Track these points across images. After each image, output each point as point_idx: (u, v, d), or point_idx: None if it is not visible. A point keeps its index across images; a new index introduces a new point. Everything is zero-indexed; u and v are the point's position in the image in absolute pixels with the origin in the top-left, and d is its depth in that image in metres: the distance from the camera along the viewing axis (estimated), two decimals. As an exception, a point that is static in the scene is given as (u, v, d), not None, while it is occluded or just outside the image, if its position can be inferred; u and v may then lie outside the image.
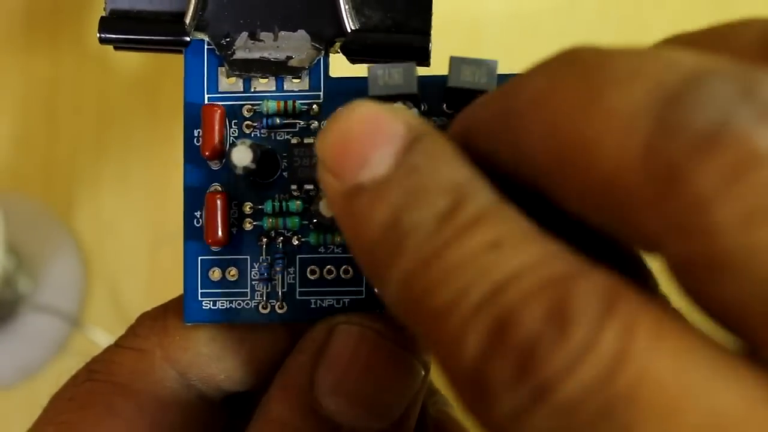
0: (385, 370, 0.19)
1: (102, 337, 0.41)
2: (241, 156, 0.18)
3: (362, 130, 0.14)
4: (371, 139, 0.14)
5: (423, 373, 0.19)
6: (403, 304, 0.13)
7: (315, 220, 0.19)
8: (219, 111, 0.20)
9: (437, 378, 0.20)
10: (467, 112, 0.15)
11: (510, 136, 0.14)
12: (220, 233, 0.19)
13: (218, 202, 0.19)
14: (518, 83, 0.14)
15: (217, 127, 0.19)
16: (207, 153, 0.19)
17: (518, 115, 0.13)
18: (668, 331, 0.11)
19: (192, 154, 0.20)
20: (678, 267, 0.12)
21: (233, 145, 0.18)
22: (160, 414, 0.20)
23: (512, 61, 0.19)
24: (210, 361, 0.20)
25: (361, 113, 0.15)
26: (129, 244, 0.43)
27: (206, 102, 0.20)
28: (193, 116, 0.20)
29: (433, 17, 0.20)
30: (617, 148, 0.12)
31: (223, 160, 0.20)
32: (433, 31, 0.19)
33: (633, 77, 0.12)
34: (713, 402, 0.11)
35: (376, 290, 0.19)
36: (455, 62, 0.18)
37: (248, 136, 0.20)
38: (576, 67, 0.13)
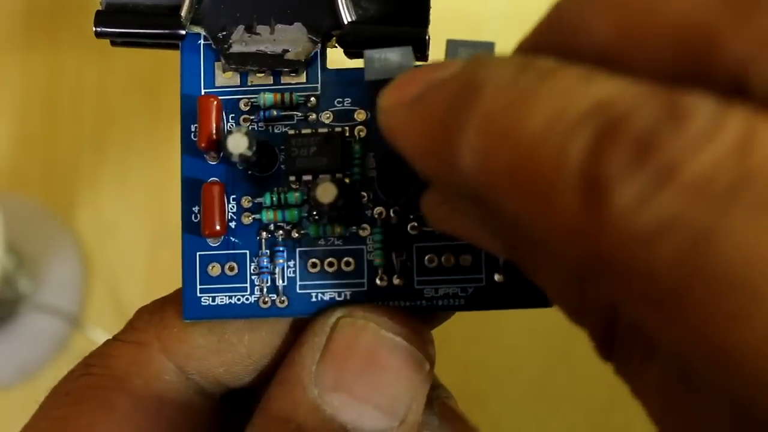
0: (389, 363, 0.18)
1: (102, 337, 0.41)
2: (237, 143, 0.18)
3: (421, 68, 0.15)
4: (430, 68, 0.15)
5: (428, 367, 0.19)
6: (487, 152, 0.13)
7: (313, 211, 0.19)
8: (215, 101, 0.19)
9: (438, 371, 0.20)
10: (524, 40, 0.15)
11: (574, 33, 0.14)
12: (217, 225, 0.19)
13: (215, 192, 0.19)
14: None
15: (213, 118, 0.19)
16: (203, 144, 0.19)
17: (581, 8, 0.13)
18: None
19: (189, 149, 0.20)
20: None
21: (229, 132, 0.18)
22: (158, 408, 0.19)
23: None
24: (208, 354, 0.20)
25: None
26: (129, 244, 0.43)
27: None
28: (190, 111, 0.20)
29: (433, 16, 0.19)
30: None
31: (221, 154, 0.20)
32: (432, 31, 0.19)
33: None
34: None
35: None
36: (452, 45, 0.17)
37: (244, 127, 0.20)
38: None
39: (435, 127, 0.14)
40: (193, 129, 0.20)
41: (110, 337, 0.20)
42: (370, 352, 0.18)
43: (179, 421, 0.20)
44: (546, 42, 0.14)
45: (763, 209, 0.10)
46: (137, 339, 0.20)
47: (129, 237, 0.43)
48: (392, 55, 0.17)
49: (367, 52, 0.17)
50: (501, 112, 0.12)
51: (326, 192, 0.18)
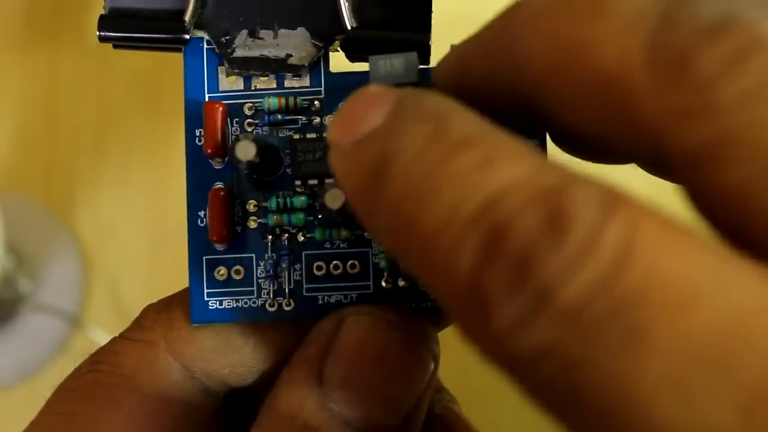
0: (396, 361, 0.18)
1: (102, 337, 0.41)
2: (245, 150, 0.18)
3: (360, 100, 0.15)
4: (367, 104, 0.15)
5: (433, 365, 0.19)
6: (394, 231, 0.13)
7: (321, 216, 0.19)
8: (221, 108, 0.20)
9: (439, 372, 0.20)
10: (463, 43, 0.16)
11: (507, 51, 0.14)
12: (224, 230, 0.19)
13: (221, 198, 0.19)
14: (515, 6, 0.14)
15: (219, 124, 0.19)
16: (209, 150, 0.19)
17: (517, 30, 0.14)
18: (672, 231, 0.11)
19: (194, 154, 0.20)
20: (682, 162, 0.12)
21: (237, 139, 0.18)
22: (163, 407, 0.19)
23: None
24: (214, 355, 0.20)
25: (362, 90, 0.15)
26: (129, 244, 0.43)
27: (207, 101, 0.20)
28: (195, 116, 0.20)
29: (435, 18, 0.19)
30: (621, 44, 0.12)
31: (226, 158, 0.20)
32: (434, 32, 0.19)
33: None
34: (726, 295, 0.10)
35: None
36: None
37: (250, 134, 0.20)
38: None
39: (358, 192, 0.14)
40: (197, 133, 0.20)
41: (116, 335, 0.21)
42: (377, 351, 0.18)
43: (183, 419, 0.20)
44: (479, 52, 0.15)
45: (629, 341, 0.10)
46: (145, 338, 0.20)
47: (129, 237, 0.43)
48: (397, 61, 0.17)
49: (372, 58, 0.17)
50: (406, 199, 0.13)
51: (335, 198, 0.18)
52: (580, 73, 0.13)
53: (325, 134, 0.19)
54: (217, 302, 0.20)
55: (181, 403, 0.20)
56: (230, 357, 0.20)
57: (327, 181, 0.19)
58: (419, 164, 0.13)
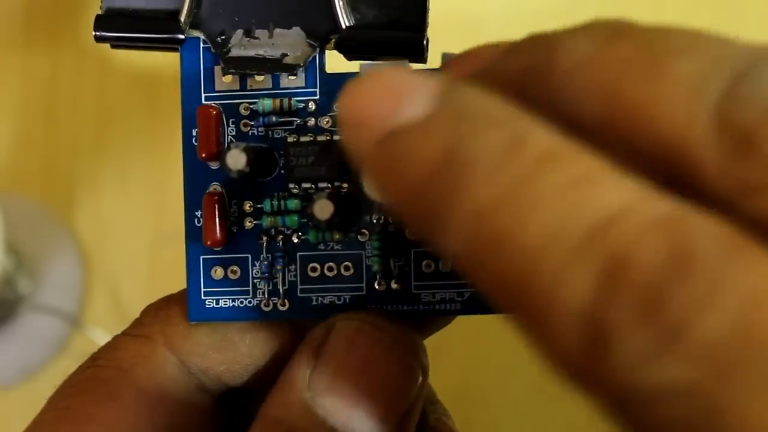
0: (382, 367, 0.19)
1: (102, 337, 0.41)
2: (235, 160, 0.18)
3: (384, 83, 0.14)
4: (401, 87, 0.13)
5: (421, 376, 0.19)
6: (475, 247, 0.12)
7: (310, 222, 0.19)
8: (215, 112, 0.20)
9: (439, 372, 0.20)
10: (484, 59, 0.15)
11: (549, 92, 0.13)
12: (217, 235, 0.20)
13: (215, 204, 0.20)
14: (553, 42, 0.14)
15: (213, 129, 0.20)
16: (204, 155, 0.20)
17: (561, 75, 0.13)
18: None
19: (191, 153, 0.20)
20: (747, 225, 0.11)
21: (227, 148, 0.19)
22: (160, 400, 0.20)
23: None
24: (210, 351, 0.20)
25: (380, 71, 0.14)
26: (129, 244, 0.43)
27: (203, 101, 0.20)
28: (191, 115, 0.20)
29: (433, 17, 0.19)
30: (686, 111, 0.12)
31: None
32: (432, 31, 0.19)
33: (694, 49, 0.12)
34: None
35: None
36: (446, 58, 0.17)
37: (246, 134, 0.20)
38: (630, 36, 0.13)
39: (416, 192, 0.13)
40: (194, 133, 0.20)
41: (116, 334, 0.21)
42: (365, 356, 0.18)
43: (178, 413, 0.20)
44: (516, 75, 0.14)
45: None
46: (143, 333, 0.20)
47: (129, 237, 0.43)
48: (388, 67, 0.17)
49: (362, 65, 0.18)
50: (492, 212, 0.12)
51: (323, 209, 0.18)
52: (643, 134, 0.12)
53: (319, 138, 0.19)
54: (214, 301, 0.20)
55: (178, 398, 0.20)
56: (225, 354, 0.20)
57: (318, 193, 0.19)
58: (503, 174, 0.12)
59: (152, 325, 0.20)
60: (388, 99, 0.13)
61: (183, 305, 0.20)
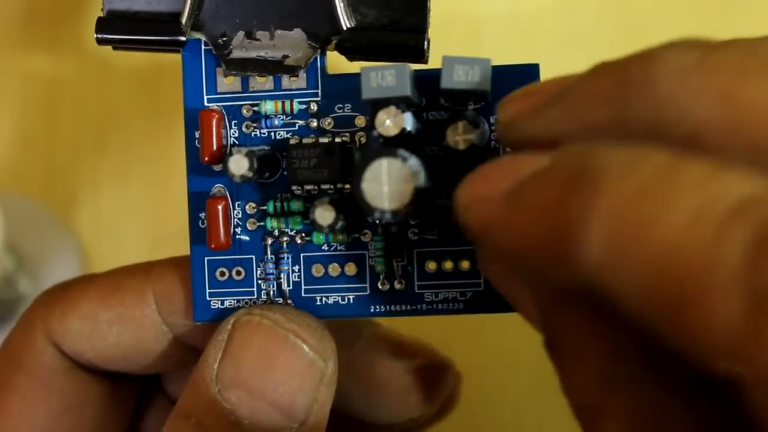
0: (281, 360, 0.19)
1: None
2: (238, 165, 0.19)
3: (497, 164, 0.14)
4: (513, 160, 0.14)
5: (322, 365, 0.19)
6: (617, 242, 0.12)
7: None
8: (216, 116, 0.20)
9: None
10: (551, 91, 0.15)
11: (652, 102, 0.13)
12: (222, 239, 0.20)
13: (219, 208, 0.20)
14: (646, 57, 0.14)
15: (214, 133, 0.20)
16: (206, 158, 0.20)
17: (666, 82, 0.13)
18: None
19: (194, 156, 0.20)
20: None
21: (230, 153, 0.19)
22: (50, 384, 0.21)
23: (512, 62, 0.19)
24: (79, 338, 0.21)
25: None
26: (129, 244, 0.43)
27: (205, 103, 0.20)
28: (194, 118, 0.20)
29: (433, 17, 0.19)
30: None
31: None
32: (432, 31, 0.19)
33: None
34: None
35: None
36: (447, 62, 0.17)
37: (248, 136, 0.20)
38: (727, 45, 0.13)
39: (545, 225, 0.13)
40: (197, 135, 0.20)
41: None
42: (263, 349, 0.19)
43: (72, 395, 0.21)
44: (612, 97, 0.14)
45: None
46: (26, 320, 0.21)
47: (129, 237, 0.43)
48: (388, 73, 0.17)
49: (364, 70, 0.18)
50: (630, 206, 0.12)
51: (324, 216, 0.18)
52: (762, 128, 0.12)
53: (321, 139, 0.19)
54: (219, 302, 0.20)
55: (68, 380, 0.21)
56: (95, 342, 0.21)
57: (319, 199, 0.19)
58: (636, 175, 0.12)
59: (36, 310, 0.21)
60: (504, 168, 0.14)
61: (79, 288, 0.21)
